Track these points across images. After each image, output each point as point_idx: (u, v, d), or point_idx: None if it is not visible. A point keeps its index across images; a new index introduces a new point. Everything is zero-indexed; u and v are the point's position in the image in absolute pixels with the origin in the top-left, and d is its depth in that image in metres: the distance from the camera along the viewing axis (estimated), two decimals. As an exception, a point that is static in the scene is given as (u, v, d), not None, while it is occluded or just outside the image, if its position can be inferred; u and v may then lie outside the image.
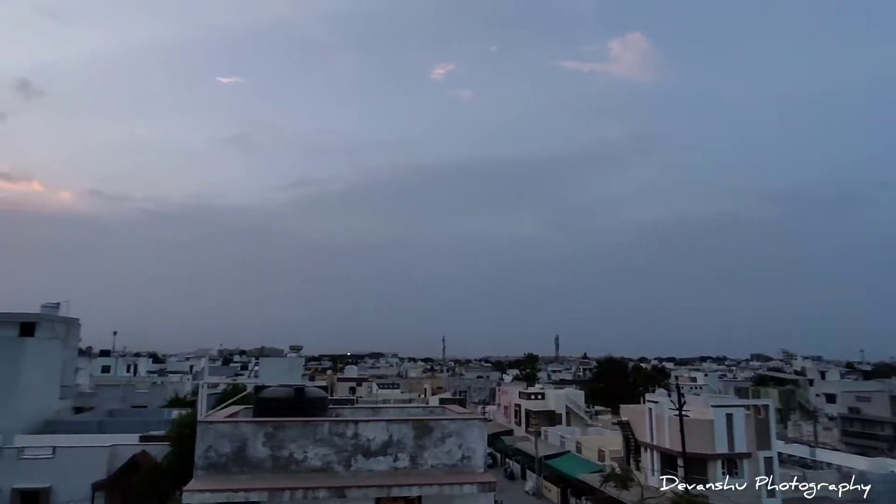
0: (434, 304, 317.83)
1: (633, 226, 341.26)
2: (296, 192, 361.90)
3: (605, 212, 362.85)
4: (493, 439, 50.19)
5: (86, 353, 70.12)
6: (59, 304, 36.44)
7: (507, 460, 51.37)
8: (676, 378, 73.23)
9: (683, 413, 28.62)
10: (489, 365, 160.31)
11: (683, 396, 29.75)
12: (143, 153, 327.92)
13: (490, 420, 55.73)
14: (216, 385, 34.22)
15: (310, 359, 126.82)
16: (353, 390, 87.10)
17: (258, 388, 12.93)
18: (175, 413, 36.02)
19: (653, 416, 33.47)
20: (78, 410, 39.89)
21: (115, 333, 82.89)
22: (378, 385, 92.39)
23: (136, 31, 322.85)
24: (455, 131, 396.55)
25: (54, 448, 25.35)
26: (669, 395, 31.99)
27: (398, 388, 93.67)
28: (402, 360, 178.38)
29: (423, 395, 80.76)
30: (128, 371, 77.48)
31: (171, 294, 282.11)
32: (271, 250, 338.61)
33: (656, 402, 34.13)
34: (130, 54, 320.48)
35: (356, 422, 11.75)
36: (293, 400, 12.31)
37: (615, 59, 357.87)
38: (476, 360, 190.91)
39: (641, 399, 40.01)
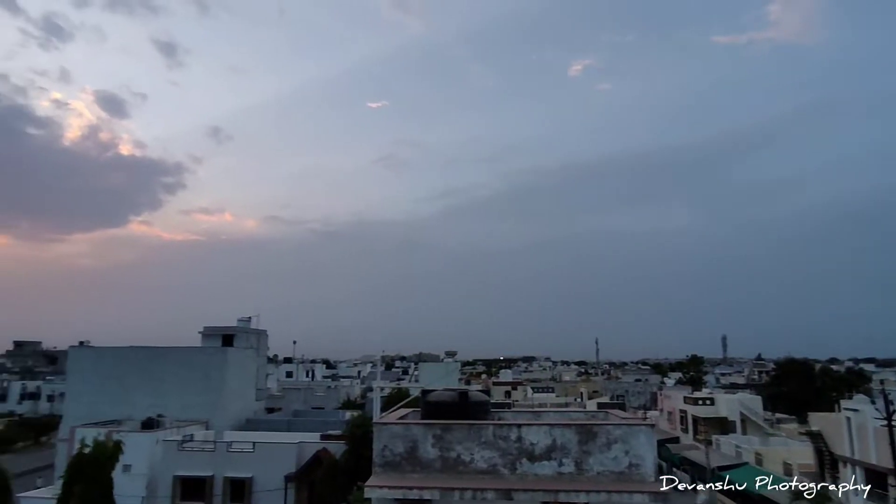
0: (585, 305, 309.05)
1: (807, 210, 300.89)
2: (443, 203, 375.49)
3: (771, 197, 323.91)
4: (658, 447, 47.42)
5: (273, 360, 79.43)
6: (250, 318, 41.79)
7: (674, 470, 48.17)
8: (881, 382, 63.02)
9: (894, 423, 24.63)
10: (647, 368, 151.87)
11: (893, 403, 25.60)
12: (311, 180, 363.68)
13: (654, 426, 52.71)
14: (382, 389, 36.80)
15: (464, 363, 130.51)
16: (508, 394, 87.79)
17: (425, 392, 13.68)
18: (348, 414, 39.39)
19: (853, 427, 29.26)
20: (269, 411, 45.36)
21: (294, 343, 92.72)
22: (532, 389, 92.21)
23: (301, 73, 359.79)
24: (597, 126, 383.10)
25: (254, 443, 29.04)
26: (873, 402, 27.75)
27: (553, 391, 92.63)
28: (554, 363, 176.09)
29: (578, 399, 78.94)
30: (307, 376, 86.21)
31: (340, 305, 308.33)
32: (424, 260, 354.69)
33: (856, 411, 29.80)
34: (298, 94, 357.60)
35: (519, 425, 11.93)
36: (458, 403, 12.85)
37: (775, 23, 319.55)
38: (632, 362, 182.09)
39: (835, 406, 35.16)
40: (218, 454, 28.82)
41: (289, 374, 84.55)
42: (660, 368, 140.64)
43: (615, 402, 70.76)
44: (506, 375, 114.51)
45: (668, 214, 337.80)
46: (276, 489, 27.87)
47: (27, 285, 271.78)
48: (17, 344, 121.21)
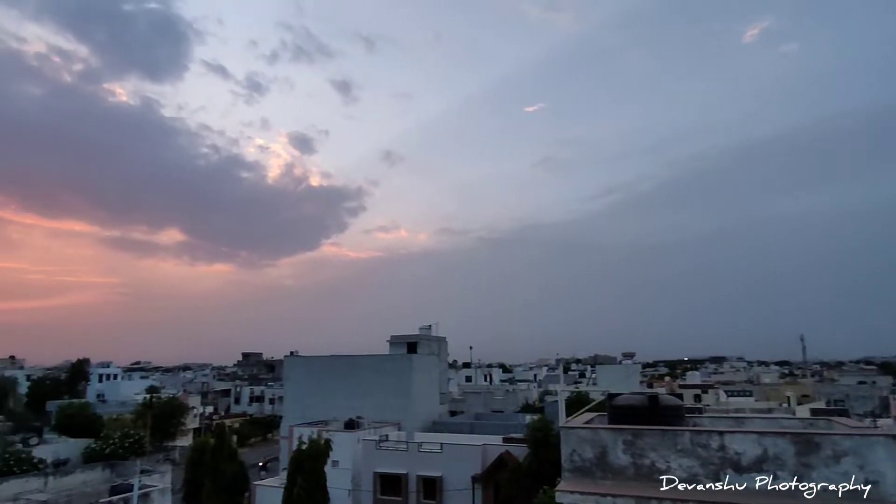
0: (780, 296, 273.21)
1: None
2: (606, 200, 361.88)
3: None
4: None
5: (453, 365, 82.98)
6: (430, 326, 44.29)
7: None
8: None
9: None
10: (872, 368, 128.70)
11: None
12: (475, 190, 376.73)
13: None
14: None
15: (645, 365, 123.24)
16: (697, 398, 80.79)
17: (611, 396, 13.20)
18: (528, 418, 39.52)
19: None
20: (452, 414, 47.42)
21: (471, 348, 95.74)
22: (726, 392, 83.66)
23: (460, 88, 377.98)
24: (778, 95, 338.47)
25: (442, 444, 30.56)
26: None
27: (751, 395, 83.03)
28: (749, 363, 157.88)
29: (785, 405, 69.71)
30: (485, 380, 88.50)
31: (511, 310, 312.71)
32: (591, 260, 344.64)
33: None
34: (459, 109, 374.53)
35: (721, 433, 10.93)
36: (648, 408, 12.18)
37: None
38: (851, 361, 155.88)
39: None
40: (410, 454, 30.81)
41: (468, 379, 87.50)
42: (889, 368, 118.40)
43: (834, 408, 61.11)
44: (693, 377, 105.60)
45: (877, 189, 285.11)
46: (464, 489, 28.93)
47: (249, 305, 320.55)
48: (245, 355, 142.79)
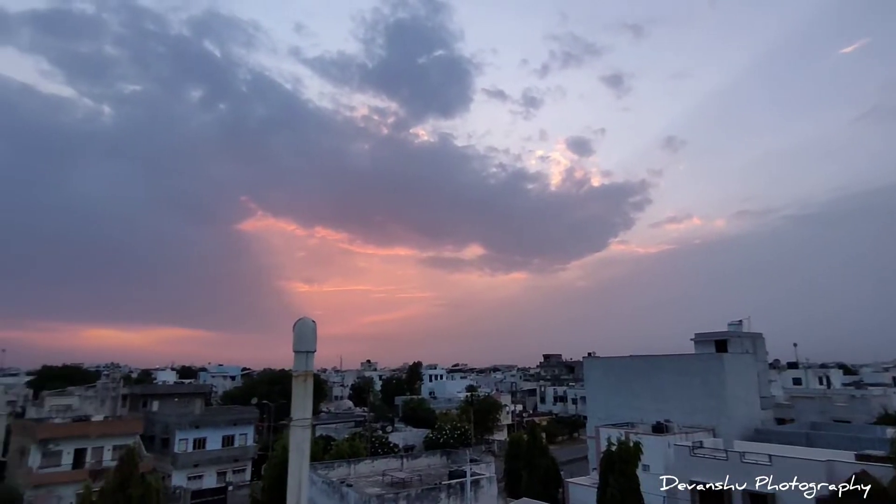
0: None
1: None
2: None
3: None
4: None
5: (774, 366, 72.38)
6: (741, 321, 39.72)
7: None
8: None
9: None
10: None
11: None
12: (775, 162, 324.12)
13: None
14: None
15: None
16: None
17: None
18: (889, 431, 31.99)
19: None
20: (780, 422, 41.33)
21: (795, 345, 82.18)
22: None
23: (742, 55, 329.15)
24: None
25: (770, 456, 26.96)
26: None
27: None
28: None
29: None
30: (820, 383, 74.72)
31: (842, 298, 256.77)
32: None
33: None
34: (743, 78, 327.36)
35: None
36: None
37: None
38: None
39: None
40: (731, 463, 28.00)
41: (796, 381, 75.06)
42: None
43: None
44: None
45: None
46: (809, 511, 24.89)
47: (545, 308, 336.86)
48: (546, 357, 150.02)
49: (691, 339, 41.04)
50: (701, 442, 31.18)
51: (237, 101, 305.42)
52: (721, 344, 38.27)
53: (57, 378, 77.07)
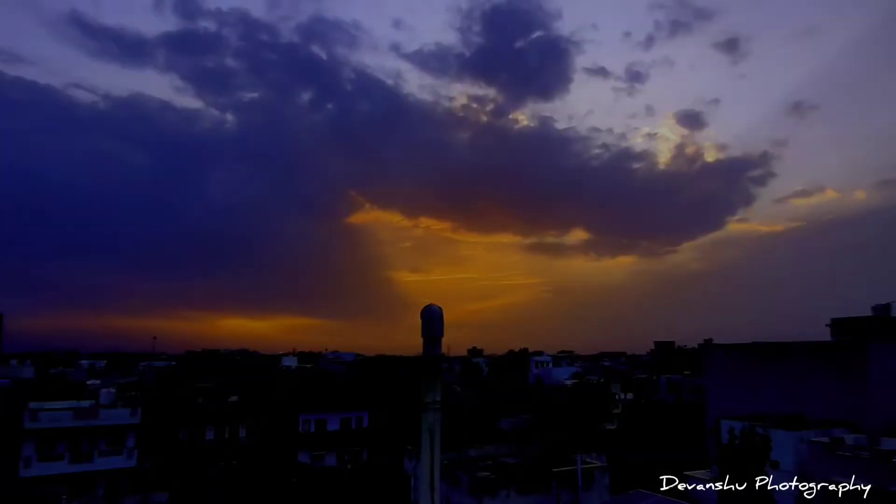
0: None
1: None
2: None
3: None
4: None
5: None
6: (888, 304, 35.50)
7: None
8: None
9: None
10: None
11: None
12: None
13: None
14: None
15: None
16: None
17: None
18: None
19: None
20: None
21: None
22: None
23: (872, 5, 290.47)
24: None
25: (927, 457, 23.94)
26: None
27: None
28: None
29: None
30: None
31: None
32: None
33: None
34: (873, 31, 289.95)
35: None
36: None
37: None
38: None
39: None
40: (875, 464, 25.22)
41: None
42: None
43: None
44: None
45: None
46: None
47: (654, 293, 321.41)
48: (657, 344, 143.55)
49: (826, 325, 37.21)
50: (842, 439, 28.35)
51: (343, 100, 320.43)
52: (864, 330, 34.36)
53: (199, 362, 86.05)
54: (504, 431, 54.59)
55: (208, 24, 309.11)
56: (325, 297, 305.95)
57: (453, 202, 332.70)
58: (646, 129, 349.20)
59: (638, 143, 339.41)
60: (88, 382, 61.86)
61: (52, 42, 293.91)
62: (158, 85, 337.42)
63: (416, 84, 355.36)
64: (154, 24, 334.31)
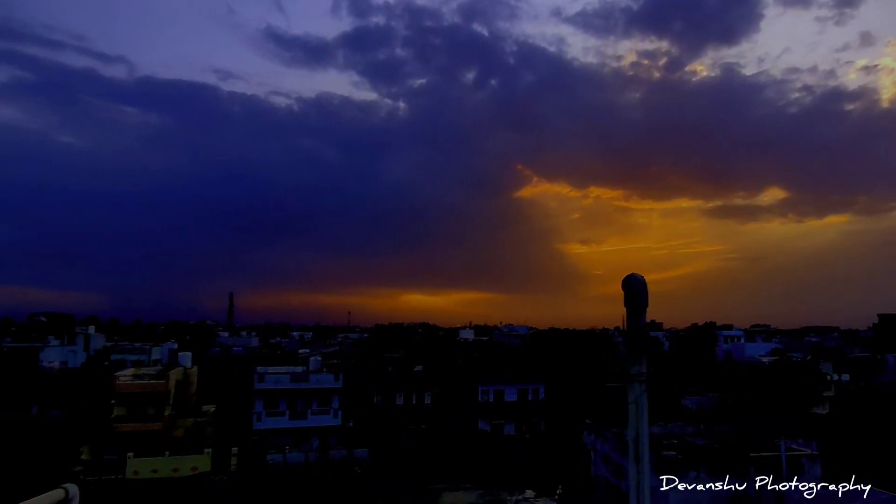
0: None
1: None
2: None
3: None
4: None
5: None
6: None
7: None
8: None
9: None
10: None
11: None
12: None
13: None
14: None
15: None
16: None
17: None
18: None
19: None
20: None
21: None
22: None
23: None
24: None
25: None
26: None
27: None
28: None
29: None
30: None
31: None
32: None
33: None
34: None
35: None
36: None
37: None
38: None
39: None
40: None
41: None
42: None
43: None
44: None
45: None
46: None
47: (877, 259, 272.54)
48: (882, 317, 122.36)
49: None
50: None
51: (506, 74, 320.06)
52: None
53: (387, 334, 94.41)
54: (689, 410, 51.32)
55: (378, 19, 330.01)
56: (496, 271, 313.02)
57: (624, 168, 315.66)
58: (862, 62, 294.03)
59: (851, 79, 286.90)
60: (300, 351, 71.64)
61: (255, 56, 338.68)
62: (339, 83, 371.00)
63: (580, 47, 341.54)
64: (333, 26, 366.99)
